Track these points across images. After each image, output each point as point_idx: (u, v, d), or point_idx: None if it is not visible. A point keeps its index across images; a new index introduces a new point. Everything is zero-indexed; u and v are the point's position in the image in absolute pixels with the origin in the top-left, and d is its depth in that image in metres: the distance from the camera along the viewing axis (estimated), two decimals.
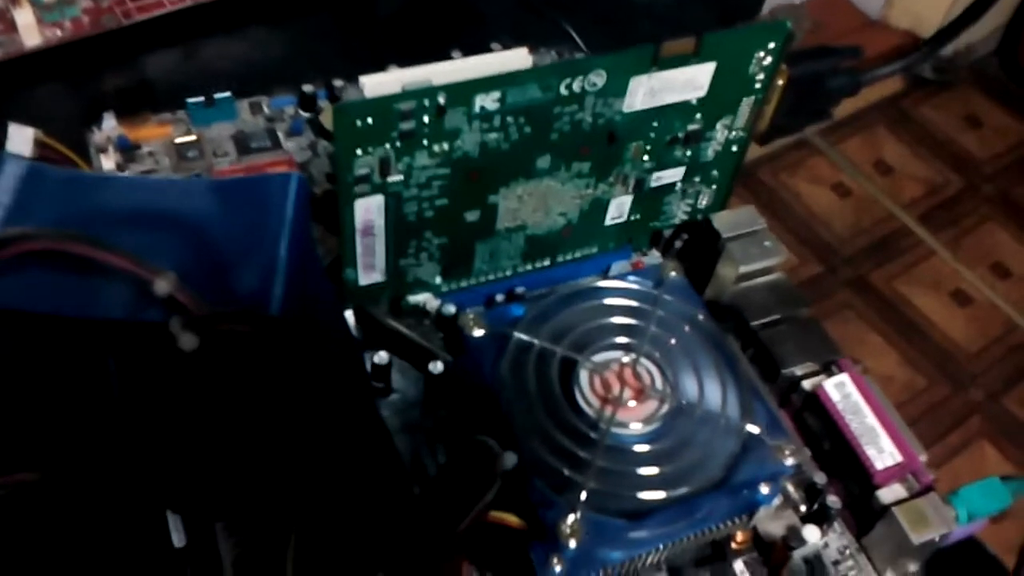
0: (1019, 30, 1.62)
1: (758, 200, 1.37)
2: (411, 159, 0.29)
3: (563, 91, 0.29)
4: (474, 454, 0.23)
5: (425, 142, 0.28)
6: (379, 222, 0.30)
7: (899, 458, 0.30)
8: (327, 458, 0.25)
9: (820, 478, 0.31)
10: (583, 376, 0.26)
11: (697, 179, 0.35)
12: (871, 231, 1.37)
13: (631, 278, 0.30)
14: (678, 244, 0.37)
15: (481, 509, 0.22)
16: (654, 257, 0.37)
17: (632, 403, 0.26)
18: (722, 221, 0.35)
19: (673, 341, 0.28)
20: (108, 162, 0.37)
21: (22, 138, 0.37)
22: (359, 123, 0.27)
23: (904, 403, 1.19)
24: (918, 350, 1.24)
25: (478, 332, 0.27)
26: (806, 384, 0.32)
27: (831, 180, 1.43)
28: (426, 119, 0.28)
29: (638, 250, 0.37)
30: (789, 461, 0.26)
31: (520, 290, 0.34)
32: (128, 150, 0.37)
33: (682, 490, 0.25)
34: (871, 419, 0.31)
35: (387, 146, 0.28)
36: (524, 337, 0.27)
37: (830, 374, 0.33)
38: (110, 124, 0.37)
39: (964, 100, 1.58)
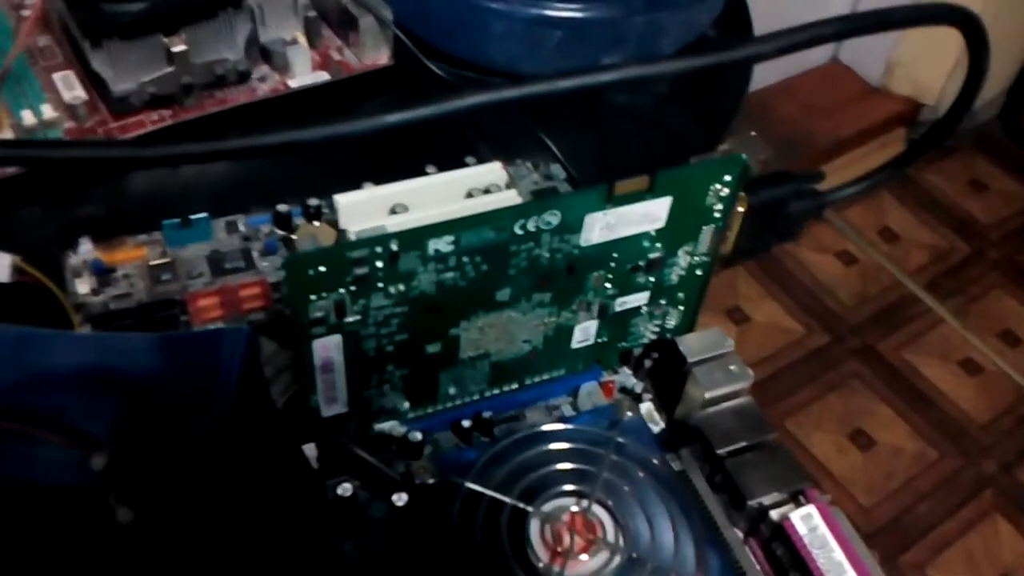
0: (1022, 95, 1.63)
1: (763, 269, 1.37)
2: (367, 300, 0.29)
3: (518, 231, 0.30)
4: None
5: (380, 284, 0.29)
6: (338, 359, 0.30)
7: None
8: None
9: None
10: (533, 527, 0.26)
11: (663, 301, 0.35)
12: (878, 299, 1.37)
13: (584, 419, 0.30)
14: (648, 363, 0.37)
15: None
16: (625, 375, 0.37)
17: (583, 556, 0.26)
18: (688, 345, 0.35)
19: (627, 488, 0.27)
20: (84, 286, 0.37)
21: (0, 265, 0.38)
22: (311, 272, 0.27)
23: (915, 477, 1.17)
24: (928, 421, 1.23)
25: (429, 480, 0.27)
26: (773, 514, 0.32)
27: (836, 248, 1.43)
28: (379, 264, 0.28)
29: (608, 369, 0.37)
30: None
31: (487, 415, 0.34)
32: (103, 274, 0.37)
33: None
34: (838, 554, 0.31)
35: (341, 291, 0.28)
36: (474, 487, 0.27)
37: (798, 504, 0.32)
38: (86, 248, 0.38)
39: (968, 165, 1.59)
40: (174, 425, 0.24)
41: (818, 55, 1.66)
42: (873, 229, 1.47)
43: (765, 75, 1.48)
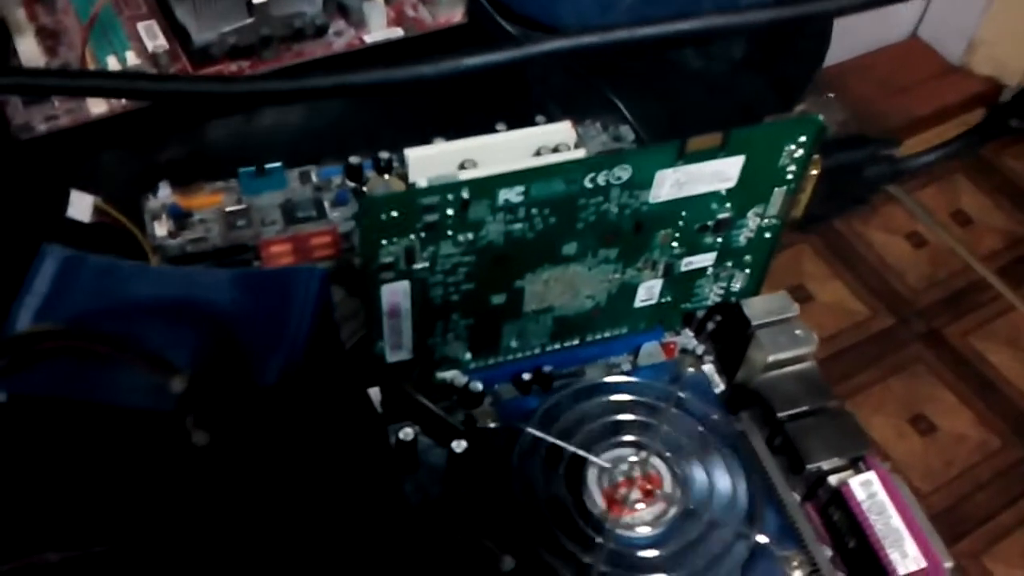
0: None
1: (829, 248, 1.34)
2: (436, 248, 0.29)
3: (587, 184, 0.30)
4: (474, 552, 0.23)
5: (449, 232, 0.29)
6: (405, 305, 0.31)
7: (923, 563, 0.30)
8: (345, 537, 0.25)
9: None
10: (591, 476, 0.27)
11: (729, 264, 0.35)
12: (947, 283, 1.34)
13: (646, 374, 0.30)
14: (711, 326, 0.37)
15: None
16: (687, 337, 0.37)
17: (640, 505, 0.26)
18: (753, 308, 0.35)
19: (685, 441, 0.28)
20: (161, 229, 0.38)
21: (82, 205, 0.39)
22: (384, 216, 0.28)
23: (975, 465, 1.15)
24: (993, 409, 1.20)
25: (491, 424, 0.28)
26: (832, 480, 0.32)
27: (906, 229, 1.40)
28: (450, 212, 0.29)
29: (670, 330, 0.37)
30: (797, 573, 0.26)
31: (547, 369, 0.35)
32: (180, 218, 0.38)
33: None
34: (896, 520, 0.31)
35: (412, 237, 0.29)
36: (535, 432, 0.27)
37: (857, 470, 0.32)
38: (165, 192, 0.39)
39: None
40: (249, 357, 0.24)
41: (897, 31, 1.62)
42: (945, 211, 1.44)
43: (841, 50, 1.45)
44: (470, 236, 0.30)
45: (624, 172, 0.30)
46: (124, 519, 0.24)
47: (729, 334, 0.36)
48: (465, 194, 0.28)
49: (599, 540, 0.25)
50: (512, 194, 0.29)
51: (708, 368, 0.36)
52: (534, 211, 0.30)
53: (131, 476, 0.23)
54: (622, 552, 0.25)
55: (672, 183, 0.31)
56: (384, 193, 0.31)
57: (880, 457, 0.33)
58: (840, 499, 0.31)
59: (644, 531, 0.26)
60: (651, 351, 0.36)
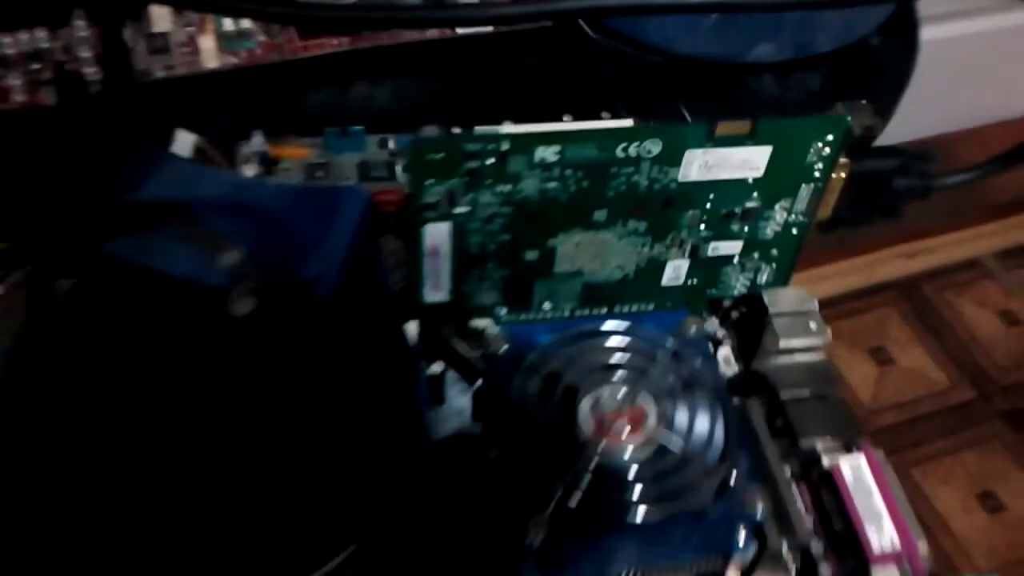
0: None
1: (916, 313, 1.33)
2: (476, 195, 0.33)
3: (619, 153, 0.33)
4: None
5: (489, 181, 0.32)
6: (445, 247, 0.34)
7: (897, 544, 0.31)
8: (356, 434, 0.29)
9: (817, 548, 0.32)
10: (584, 402, 0.29)
11: (756, 255, 0.37)
12: None
13: (650, 325, 0.33)
14: (735, 315, 0.39)
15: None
16: (712, 324, 0.39)
17: (625, 433, 0.29)
18: (772, 297, 0.37)
19: (673, 386, 0.30)
20: (249, 171, 0.43)
21: (185, 142, 0.44)
22: (429, 156, 0.31)
23: None
24: None
25: (502, 347, 0.31)
26: (825, 460, 0.34)
27: (1000, 306, 1.37)
28: (490, 161, 0.32)
29: (696, 314, 0.39)
30: (758, 510, 0.28)
31: None
32: (268, 164, 0.43)
33: (658, 517, 0.27)
34: (879, 502, 0.32)
35: (454, 180, 0.32)
36: (538, 360, 0.30)
37: (849, 453, 0.34)
38: (258, 140, 0.44)
39: None
40: (295, 257, 0.28)
41: (1016, 108, 1.59)
42: None
43: (956, 120, 1.43)
44: (508, 188, 0.33)
45: (655, 146, 0.33)
46: (162, 381, 0.27)
47: (749, 321, 0.38)
48: (505, 146, 0.32)
49: (587, 455, 0.28)
50: (549, 153, 0.32)
51: (724, 351, 0.38)
52: (568, 172, 0.33)
53: (174, 343, 0.27)
54: (606, 471, 0.28)
55: (701, 164, 0.33)
56: (432, 136, 0.35)
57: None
58: (830, 479, 0.33)
59: (626, 455, 0.28)
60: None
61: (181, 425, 0.27)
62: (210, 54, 0.47)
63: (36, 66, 0.46)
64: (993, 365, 1.30)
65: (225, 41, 0.48)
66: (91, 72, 0.47)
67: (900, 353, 1.29)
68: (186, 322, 0.27)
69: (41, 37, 0.47)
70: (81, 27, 0.47)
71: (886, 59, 0.60)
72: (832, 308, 1.29)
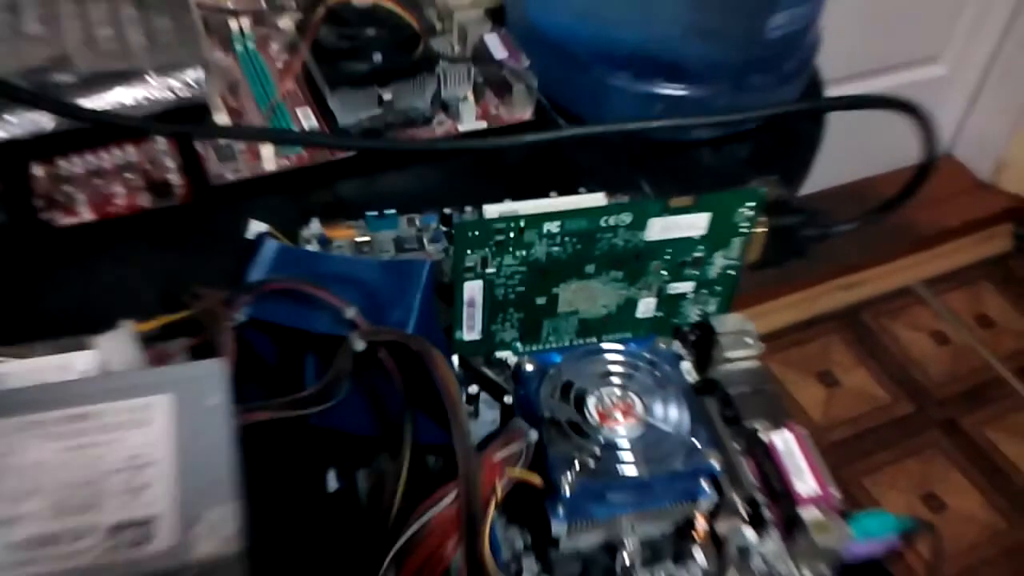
0: None
1: (857, 339, 1.47)
2: (500, 259, 0.45)
3: (602, 223, 0.45)
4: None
5: (510, 249, 0.45)
6: (479, 299, 0.47)
7: (818, 491, 0.44)
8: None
9: (761, 497, 0.44)
10: (590, 400, 0.42)
11: (704, 291, 0.50)
12: (966, 378, 1.45)
13: (632, 345, 0.46)
14: (692, 337, 0.52)
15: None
16: (676, 345, 0.52)
17: (620, 419, 0.41)
18: (718, 321, 0.50)
19: (652, 386, 0.43)
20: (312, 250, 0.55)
21: (256, 231, 0.56)
22: (470, 234, 0.44)
23: (982, 543, 1.25)
24: (1002, 494, 1.30)
25: (530, 368, 0.43)
26: (763, 436, 0.46)
27: (931, 328, 1.52)
28: (511, 235, 0.45)
29: (664, 337, 0.52)
30: (715, 463, 0.40)
31: None
32: (324, 244, 0.55)
33: (646, 474, 0.40)
34: (803, 463, 0.45)
35: (485, 249, 0.45)
36: (556, 374, 0.42)
37: (780, 430, 0.46)
38: (315, 225, 0.56)
39: None
40: (383, 310, 0.40)
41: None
42: (970, 315, 1.56)
43: (875, 164, 1.59)
44: (523, 253, 0.45)
45: (627, 217, 0.46)
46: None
47: (702, 341, 0.51)
48: (522, 223, 0.44)
49: (594, 436, 0.40)
50: (553, 226, 0.45)
51: (686, 364, 0.50)
52: (567, 239, 0.45)
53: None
54: (609, 445, 0.40)
55: (660, 227, 0.46)
56: (470, 219, 0.47)
57: None
58: (766, 449, 0.46)
59: (622, 433, 0.41)
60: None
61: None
62: (269, 159, 0.60)
63: (129, 176, 0.58)
64: (929, 381, 1.44)
65: (279, 148, 0.60)
66: (174, 179, 0.59)
67: (844, 375, 1.43)
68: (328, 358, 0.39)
69: (130, 152, 0.59)
70: (161, 141, 0.59)
71: (799, 128, 0.74)
72: (781, 339, 1.43)
